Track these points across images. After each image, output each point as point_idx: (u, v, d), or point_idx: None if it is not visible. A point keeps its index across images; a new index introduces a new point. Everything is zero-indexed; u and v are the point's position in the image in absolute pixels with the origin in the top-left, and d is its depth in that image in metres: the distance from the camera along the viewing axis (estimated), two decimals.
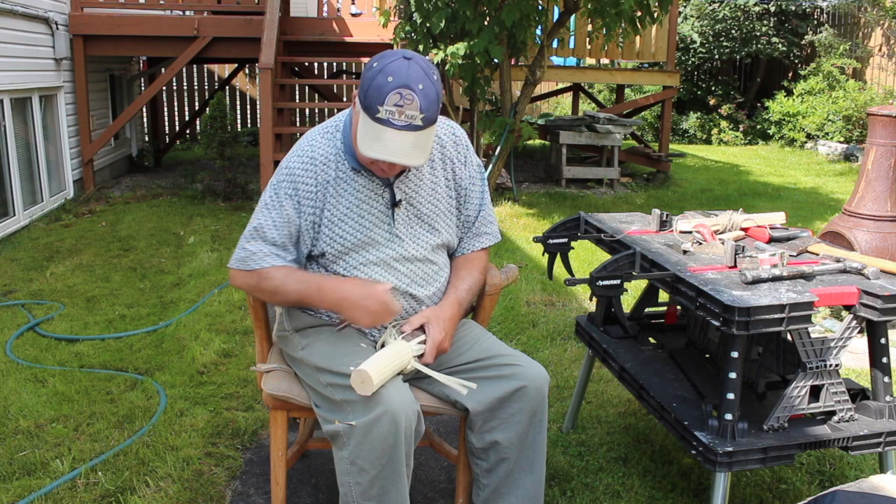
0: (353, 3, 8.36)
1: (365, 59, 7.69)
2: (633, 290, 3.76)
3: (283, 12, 7.48)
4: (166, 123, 11.41)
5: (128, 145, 8.99)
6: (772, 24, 12.15)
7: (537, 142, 10.41)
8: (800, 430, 1.98)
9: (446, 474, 2.53)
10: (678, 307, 2.62)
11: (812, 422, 2.02)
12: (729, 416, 1.92)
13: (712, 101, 12.71)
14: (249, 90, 11.98)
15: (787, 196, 7.72)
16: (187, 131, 11.24)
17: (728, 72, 13.30)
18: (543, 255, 2.55)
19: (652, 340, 2.55)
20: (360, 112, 1.77)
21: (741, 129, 12.30)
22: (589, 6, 6.37)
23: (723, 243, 2.20)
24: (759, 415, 2.02)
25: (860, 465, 2.57)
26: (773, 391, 2.15)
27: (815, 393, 2.00)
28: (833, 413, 2.01)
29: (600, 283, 2.01)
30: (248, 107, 12.13)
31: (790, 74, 12.48)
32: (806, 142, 11.33)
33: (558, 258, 2.55)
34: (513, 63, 7.43)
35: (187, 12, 8.47)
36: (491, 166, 6.94)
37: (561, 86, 11.62)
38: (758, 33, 12.04)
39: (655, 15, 6.54)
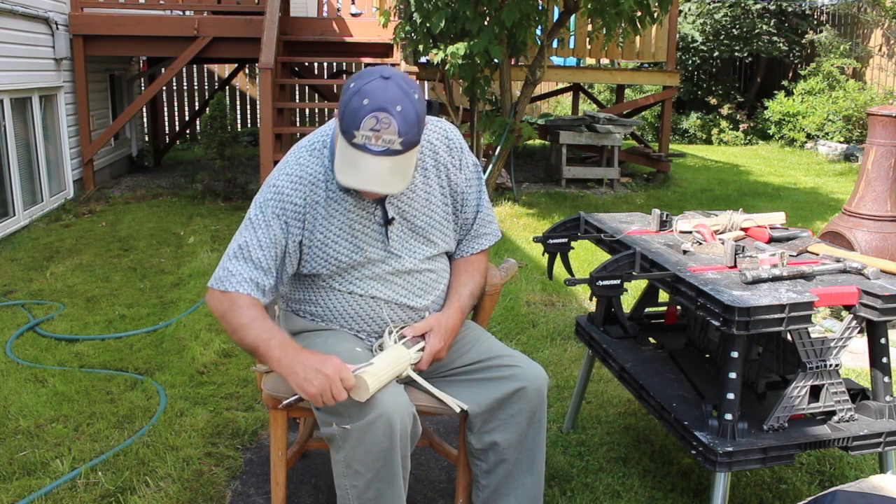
0: (353, 3, 8.36)
1: (365, 59, 7.69)
2: (633, 290, 3.76)
3: (283, 12, 7.48)
4: (166, 123, 11.40)
5: (128, 145, 8.99)
6: (772, 24, 12.15)
7: (537, 142, 10.41)
8: (800, 430, 1.98)
9: (446, 474, 2.53)
10: (678, 307, 2.62)
11: (812, 422, 2.02)
12: (729, 416, 1.92)
13: (712, 101, 12.71)
14: (249, 90, 11.98)
15: (787, 196, 7.72)
16: (187, 131, 11.24)
17: (728, 72, 13.30)
18: (543, 255, 2.55)
19: (652, 340, 2.55)
20: (339, 135, 1.71)
21: (741, 129, 12.30)
22: (589, 6, 6.37)
23: (723, 243, 2.20)
24: (759, 415, 2.02)
25: (860, 465, 2.57)
26: (773, 391, 2.15)
27: (815, 393, 2.00)
28: (833, 413, 2.01)
29: (600, 283, 2.01)
30: (248, 107, 12.13)
31: (790, 74, 12.48)
32: (806, 142, 11.33)
33: (558, 258, 2.54)
34: (513, 63, 7.43)
35: (187, 12, 8.47)
36: (491, 166, 6.95)
37: (561, 86, 11.63)
38: (758, 31, 12.04)
39: (655, 15, 6.54)
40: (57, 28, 6.78)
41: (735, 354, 1.90)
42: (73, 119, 7.18)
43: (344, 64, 10.62)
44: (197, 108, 11.20)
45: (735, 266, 2.05)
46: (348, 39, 7.60)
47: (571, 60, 9.56)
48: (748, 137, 12.26)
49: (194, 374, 3.25)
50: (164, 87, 10.38)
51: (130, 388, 3.13)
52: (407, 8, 6.65)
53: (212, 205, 6.88)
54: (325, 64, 11.45)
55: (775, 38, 12.05)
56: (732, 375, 1.90)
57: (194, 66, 11.48)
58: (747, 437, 1.93)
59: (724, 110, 12.50)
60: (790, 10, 12.27)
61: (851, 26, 11.75)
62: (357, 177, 1.69)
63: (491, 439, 1.92)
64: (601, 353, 2.51)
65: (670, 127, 9.77)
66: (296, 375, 1.70)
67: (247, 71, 11.52)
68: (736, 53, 12.38)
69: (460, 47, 6.11)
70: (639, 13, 6.51)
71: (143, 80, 9.94)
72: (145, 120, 9.97)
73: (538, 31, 6.88)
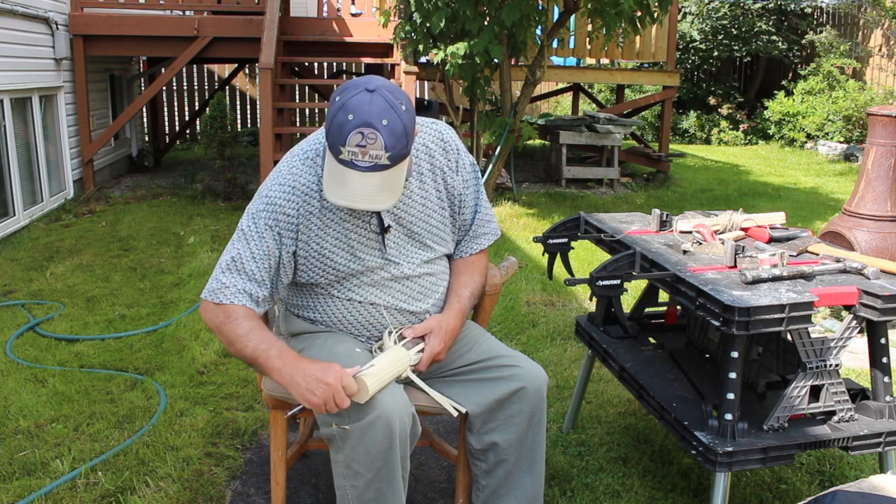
0: (353, 3, 8.36)
1: (365, 59, 7.69)
2: (633, 290, 3.76)
3: (283, 12, 7.48)
4: (166, 123, 11.40)
5: (128, 145, 8.99)
6: (771, 23, 12.15)
7: (537, 142, 10.41)
8: (800, 430, 1.98)
9: (446, 474, 2.53)
10: (678, 307, 2.62)
11: (812, 422, 2.02)
12: (729, 416, 1.92)
13: (712, 101, 12.71)
14: (249, 90, 11.98)
15: (787, 196, 7.72)
16: (187, 131, 11.24)
17: (728, 71, 13.30)
18: (543, 255, 2.55)
19: (652, 340, 2.55)
20: (326, 150, 1.70)
21: (741, 128, 12.29)
22: (589, 6, 6.37)
23: (723, 243, 2.20)
24: (759, 415, 2.02)
25: (860, 465, 2.57)
26: (773, 391, 2.15)
27: (815, 393, 2.00)
28: (833, 413, 2.01)
29: (600, 283, 2.01)
30: (248, 107, 12.13)
31: (790, 74, 12.48)
32: (806, 142, 11.33)
33: (558, 258, 2.54)
34: (513, 63, 7.43)
35: (187, 12, 8.47)
36: (491, 166, 6.95)
37: (561, 86, 11.63)
38: (757, 31, 12.04)
39: (655, 15, 6.54)
40: (57, 28, 6.78)
41: (735, 354, 1.90)
42: (73, 119, 7.19)
43: (344, 64, 10.61)
44: (197, 108, 11.20)
45: (735, 266, 2.05)
46: (348, 39, 7.60)
47: (571, 60, 9.56)
48: (748, 137, 12.26)
49: (194, 374, 3.25)
50: (164, 87, 10.38)
51: (130, 388, 3.13)
52: (407, 8, 6.65)
53: (212, 205, 6.88)
54: (325, 64, 11.46)
55: (775, 38, 12.05)
56: (732, 375, 1.90)
57: (194, 66, 11.49)
58: (747, 437, 1.93)
59: (724, 110, 12.50)
60: (790, 9, 12.27)
61: (851, 26, 11.75)
62: (344, 194, 1.68)
63: (491, 439, 1.92)
64: (601, 353, 2.51)
65: (670, 127, 9.77)
66: (297, 386, 1.69)
67: (247, 71, 11.52)
68: (735, 53, 12.38)
69: (460, 47, 6.11)
70: (639, 13, 6.51)
71: (143, 80, 9.94)
72: (145, 120, 9.97)
73: (538, 31, 6.89)
